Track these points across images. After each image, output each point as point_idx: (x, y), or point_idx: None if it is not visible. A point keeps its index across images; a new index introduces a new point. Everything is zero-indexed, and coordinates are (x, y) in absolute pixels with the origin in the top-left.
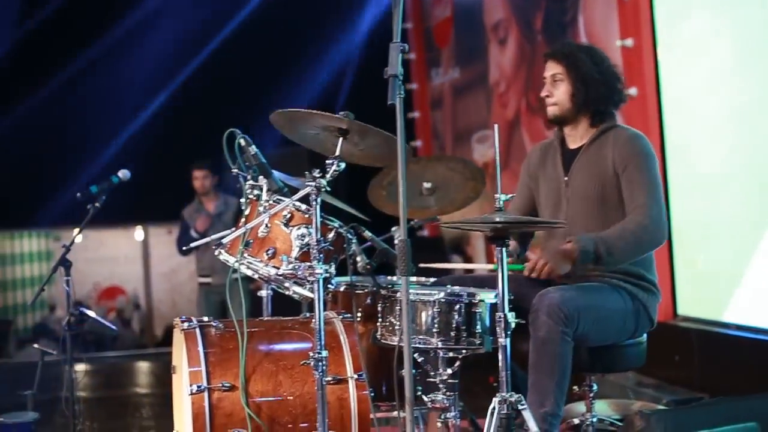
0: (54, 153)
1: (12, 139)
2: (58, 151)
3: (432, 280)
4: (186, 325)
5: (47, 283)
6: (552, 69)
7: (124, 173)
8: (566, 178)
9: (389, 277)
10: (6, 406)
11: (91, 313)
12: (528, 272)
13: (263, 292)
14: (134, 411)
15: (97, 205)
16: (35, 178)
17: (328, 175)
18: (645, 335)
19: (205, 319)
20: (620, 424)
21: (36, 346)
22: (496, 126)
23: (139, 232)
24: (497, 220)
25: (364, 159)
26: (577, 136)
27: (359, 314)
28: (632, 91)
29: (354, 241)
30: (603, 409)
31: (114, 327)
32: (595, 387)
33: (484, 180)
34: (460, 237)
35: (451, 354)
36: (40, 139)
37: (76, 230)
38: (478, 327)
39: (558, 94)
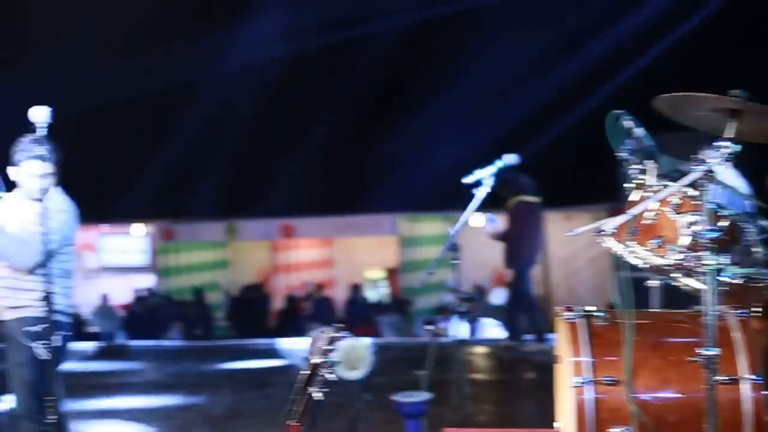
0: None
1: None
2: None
3: None
4: (569, 314)
5: (437, 266)
6: None
7: (510, 157)
8: None
9: None
10: (402, 384)
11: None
12: None
13: (652, 283)
14: (524, 398)
15: (482, 189)
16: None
17: (719, 159)
18: None
19: (588, 308)
20: None
21: (428, 327)
22: None
23: None
24: None
25: (760, 138)
26: None
27: (758, 310)
28: None
29: (753, 230)
30: None
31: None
32: None
33: None
34: None
35: None
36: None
37: (467, 214)
38: None
39: None
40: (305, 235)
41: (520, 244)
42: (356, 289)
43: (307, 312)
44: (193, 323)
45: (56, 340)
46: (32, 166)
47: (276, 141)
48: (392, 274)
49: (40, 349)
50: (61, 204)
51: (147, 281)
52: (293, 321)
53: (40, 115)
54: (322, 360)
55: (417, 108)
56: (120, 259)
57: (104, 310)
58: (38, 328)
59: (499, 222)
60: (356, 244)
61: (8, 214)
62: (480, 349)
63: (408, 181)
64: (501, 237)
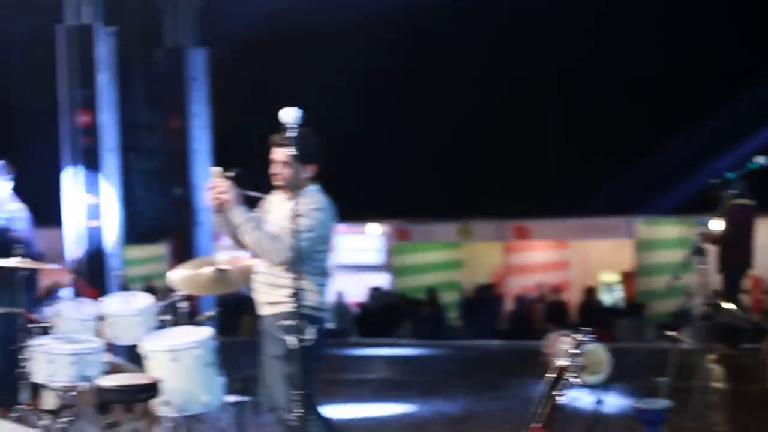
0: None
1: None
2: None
3: None
4: None
5: (681, 271)
6: None
7: (760, 158)
8: None
9: None
10: (642, 391)
11: (727, 305)
12: None
13: None
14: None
15: (731, 191)
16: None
17: None
18: None
19: None
20: None
21: (668, 333)
22: None
23: None
24: None
25: None
26: None
27: None
28: None
29: None
30: None
31: (745, 318)
32: None
33: None
34: None
35: None
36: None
37: (710, 217)
38: None
39: None
40: (539, 237)
41: (735, 249)
42: (590, 292)
43: (539, 314)
44: (425, 322)
45: (309, 335)
46: (281, 154)
47: (510, 142)
48: (628, 277)
49: (294, 343)
50: (317, 202)
51: (381, 280)
52: (525, 323)
53: (289, 116)
54: (568, 363)
55: (653, 109)
56: (355, 258)
57: (339, 307)
58: (292, 322)
59: (712, 225)
60: (591, 246)
61: (267, 211)
62: (721, 356)
63: (645, 183)
64: (716, 240)
